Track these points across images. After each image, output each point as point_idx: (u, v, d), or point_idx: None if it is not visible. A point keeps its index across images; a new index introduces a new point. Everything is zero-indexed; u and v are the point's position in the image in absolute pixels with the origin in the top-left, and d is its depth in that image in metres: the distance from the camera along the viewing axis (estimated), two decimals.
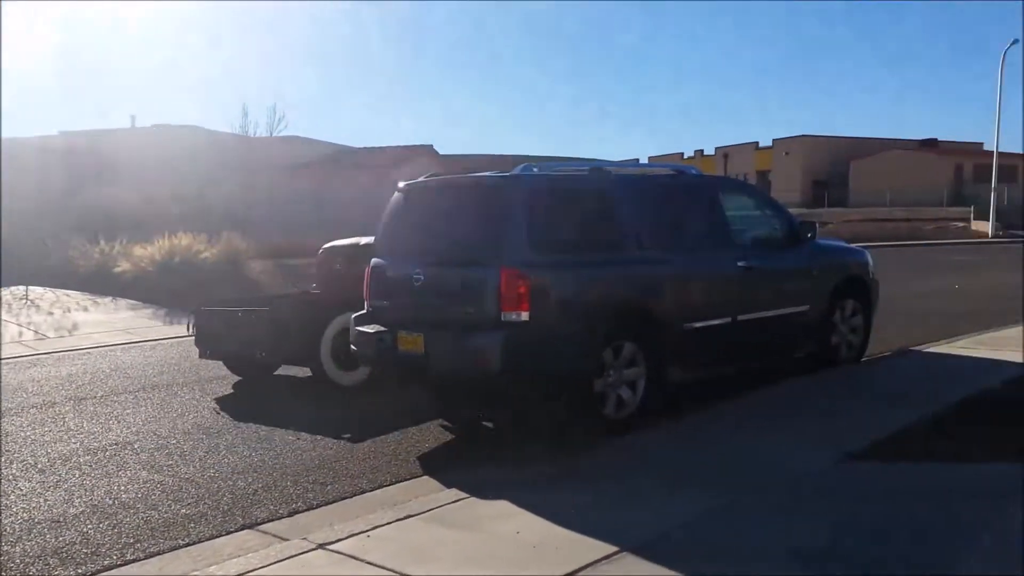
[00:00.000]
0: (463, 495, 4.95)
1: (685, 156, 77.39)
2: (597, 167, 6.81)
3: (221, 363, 9.16)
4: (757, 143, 72.05)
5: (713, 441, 5.94)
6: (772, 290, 7.75)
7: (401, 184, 6.88)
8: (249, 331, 8.37)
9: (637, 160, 67.73)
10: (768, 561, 3.89)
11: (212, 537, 4.69)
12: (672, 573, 3.75)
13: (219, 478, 5.69)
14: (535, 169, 6.51)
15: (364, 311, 6.79)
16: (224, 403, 7.98)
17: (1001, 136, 38.75)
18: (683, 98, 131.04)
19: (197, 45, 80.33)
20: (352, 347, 6.80)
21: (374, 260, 6.83)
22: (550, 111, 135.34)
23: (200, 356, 9.09)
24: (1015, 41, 34.55)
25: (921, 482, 4.99)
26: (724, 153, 73.30)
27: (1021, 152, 60.16)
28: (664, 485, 5.00)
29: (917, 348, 9.16)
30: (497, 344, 5.71)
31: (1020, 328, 10.15)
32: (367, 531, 4.42)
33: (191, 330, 9.09)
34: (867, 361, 8.63)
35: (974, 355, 8.51)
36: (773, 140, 69.63)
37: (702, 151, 77.88)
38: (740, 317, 7.25)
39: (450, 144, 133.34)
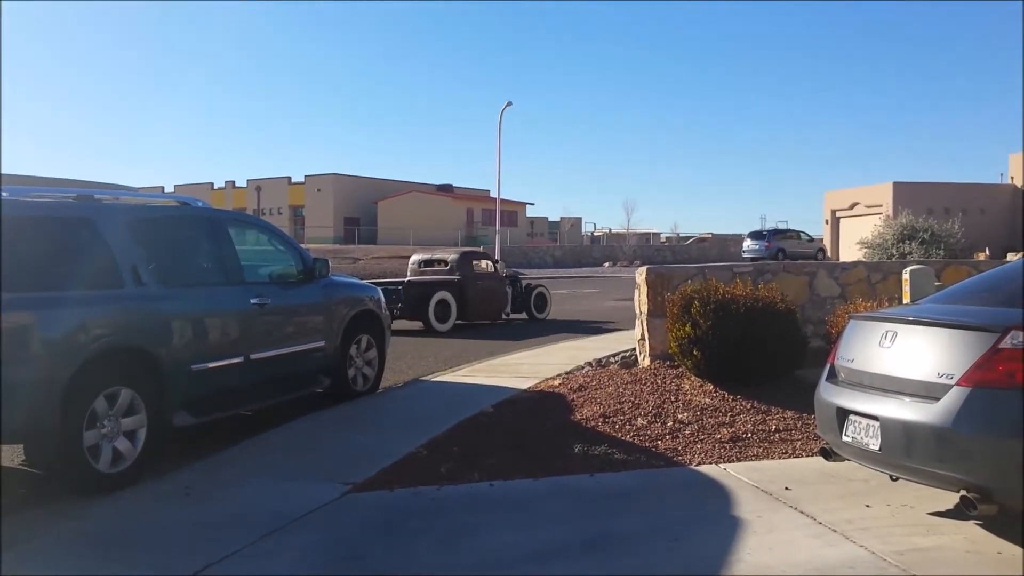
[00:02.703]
0: None
1: (215, 187, 75.19)
2: (84, 194, 6.09)
3: None
4: (290, 178, 72.72)
5: (219, 488, 5.64)
6: (287, 326, 7.69)
7: None
8: None
9: (162, 188, 64.16)
10: None
11: None
12: None
13: None
14: (5, 193, 5.59)
15: None
16: None
17: (503, 186, 44.11)
18: (216, 128, 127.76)
19: None
20: None
21: None
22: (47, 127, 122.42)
23: None
24: (509, 103, 39.51)
25: (415, 505, 5.27)
26: (257, 186, 72.70)
27: (520, 201, 69.88)
28: (153, 545, 4.63)
29: (427, 378, 9.79)
30: None
31: (515, 355, 11.48)
32: None
33: None
34: (382, 392, 8.98)
35: (474, 382, 9.34)
36: (305, 176, 70.88)
37: (234, 182, 76.40)
38: (254, 355, 7.05)
39: None
